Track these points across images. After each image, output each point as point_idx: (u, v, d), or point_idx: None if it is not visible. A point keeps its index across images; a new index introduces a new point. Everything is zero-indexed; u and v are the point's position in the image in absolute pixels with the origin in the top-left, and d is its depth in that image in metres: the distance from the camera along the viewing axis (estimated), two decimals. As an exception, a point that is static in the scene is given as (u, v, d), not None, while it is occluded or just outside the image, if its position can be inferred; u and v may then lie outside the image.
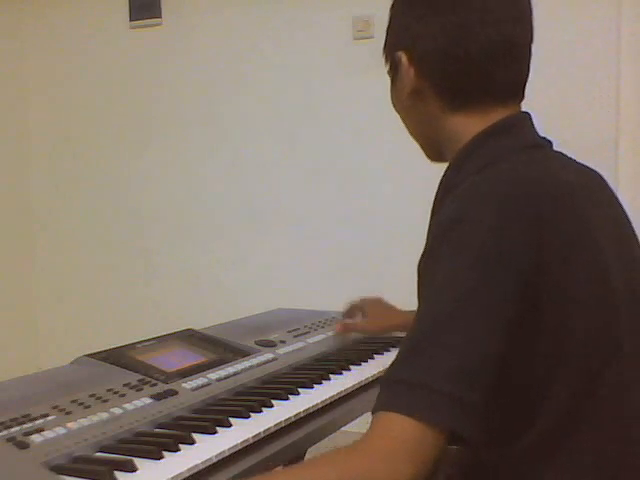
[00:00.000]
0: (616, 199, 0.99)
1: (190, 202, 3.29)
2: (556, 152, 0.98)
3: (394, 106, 1.06)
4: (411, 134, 1.07)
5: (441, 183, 0.99)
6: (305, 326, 1.61)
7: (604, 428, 0.84)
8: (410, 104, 1.00)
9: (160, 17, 3.26)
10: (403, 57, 0.98)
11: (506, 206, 0.82)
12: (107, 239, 3.45)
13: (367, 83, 2.62)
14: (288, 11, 3.00)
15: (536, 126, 0.99)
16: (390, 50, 1.02)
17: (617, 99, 2.40)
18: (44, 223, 3.56)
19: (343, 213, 3.00)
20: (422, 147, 1.08)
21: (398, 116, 1.07)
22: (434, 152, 1.05)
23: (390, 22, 1.04)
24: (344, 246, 3.00)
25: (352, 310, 1.61)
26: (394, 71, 1.02)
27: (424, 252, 0.88)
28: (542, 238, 0.81)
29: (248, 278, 3.17)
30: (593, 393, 0.83)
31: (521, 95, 0.99)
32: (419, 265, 0.89)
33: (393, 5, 1.05)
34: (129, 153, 3.40)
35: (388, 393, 0.79)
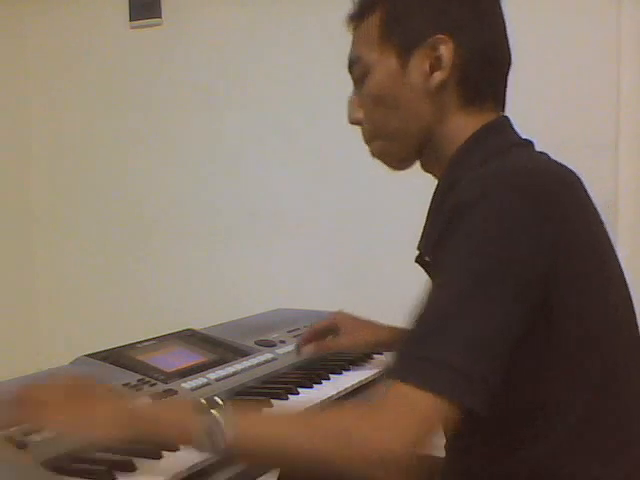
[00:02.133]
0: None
1: (190, 202, 3.29)
2: (539, 152, 1.00)
3: (387, 90, 0.97)
4: (397, 130, 0.99)
5: (441, 180, 0.99)
6: (305, 326, 1.61)
7: (622, 426, 0.85)
8: (428, 94, 0.95)
9: (160, 17, 3.25)
10: (447, 42, 0.93)
11: (523, 194, 0.82)
12: (107, 239, 3.45)
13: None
14: (288, 11, 3.00)
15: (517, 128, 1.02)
16: (419, 31, 0.95)
17: (617, 99, 2.40)
18: (44, 223, 3.56)
19: (344, 213, 3.00)
20: (399, 147, 1.01)
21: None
22: (411, 153, 1.01)
23: (406, 8, 0.97)
24: (344, 246, 3.00)
25: (322, 330, 1.43)
26: (410, 54, 0.95)
27: (436, 239, 0.87)
28: (558, 226, 0.82)
29: (248, 278, 3.17)
30: (613, 388, 0.84)
31: (504, 105, 1.02)
32: (422, 243, 0.89)
33: None
34: (129, 153, 3.40)
35: (406, 366, 0.79)
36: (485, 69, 0.97)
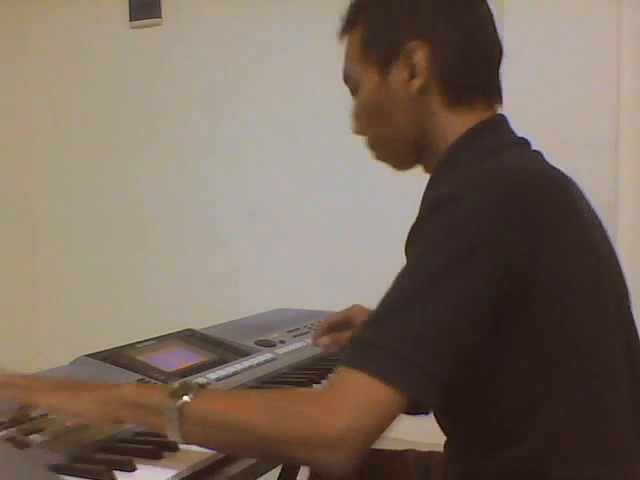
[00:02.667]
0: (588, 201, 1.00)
1: (190, 202, 3.29)
2: (536, 151, 0.99)
3: (374, 103, 1.00)
4: (393, 138, 1.01)
5: (430, 179, 0.99)
6: (305, 326, 1.61)
7: (607, 423, 0.84)
8: (412, 100, 0.96)
9: (160, 17, 3.25)
10: (420, 47, 0.94)
11: (505, 196, 0.82)
12: (107, 239, 3.45)
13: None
14: (288, 10, 3.00)
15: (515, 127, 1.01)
16: (393, 41, 0.96)
17: (617, 99, 2.40)
18: (44, 223, 3.56)
19: (344, 213, 3.00)
20: (399, 152, 1.03)
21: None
22: (411, 155, 1.02)
23: (382, 9, 0.99)
24: (344, 246, 3.00)
25: (337, 323, 1.40)
26: (390, 64, 0.97)
27: (414, 225, 0.88)
28: (538, 230, 0.81)
29: (248, 278, 3.17)
30: (595, 387, 0.84)
31: (501, 99, 1.01)
32: (407, 239, 0.90)
33: None
34: (129, 153, 3.40)
35: (355, 352, 0.80)
36: (467, 67, 0.96)
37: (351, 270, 2.96)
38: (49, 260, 3.57)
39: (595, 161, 2.33)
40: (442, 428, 0.95)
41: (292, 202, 3.10)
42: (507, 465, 0.85)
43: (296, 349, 1.45)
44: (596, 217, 0.95)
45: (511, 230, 0.80)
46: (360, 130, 1.05)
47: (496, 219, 0.81)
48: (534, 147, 0.99)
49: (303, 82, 3.00)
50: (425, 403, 0.79)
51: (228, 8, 3.15)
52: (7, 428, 0.90)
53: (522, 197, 0.82)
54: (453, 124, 0.97)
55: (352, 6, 1.03)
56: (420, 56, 0.94)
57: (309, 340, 1.51)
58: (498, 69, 1.00)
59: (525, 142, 0.99)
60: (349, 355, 0.80)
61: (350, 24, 1.02)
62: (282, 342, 1.47)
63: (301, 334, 1.55)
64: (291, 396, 0.86)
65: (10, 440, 0.87)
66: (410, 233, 0.89)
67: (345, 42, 1.04)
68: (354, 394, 0.77)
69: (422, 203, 0.95)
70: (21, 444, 0.86)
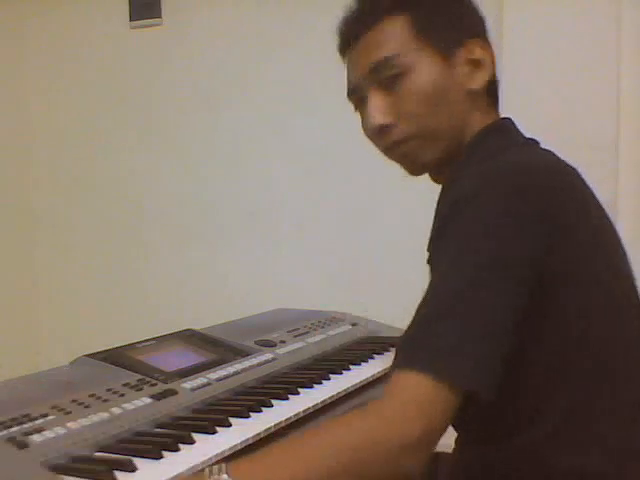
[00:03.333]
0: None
1: (190, 202, 3.29)
2: (546, 149, 1.01)
3: (434, 89, 0.97)
4: (436, 127, 0.99)
5: (445, 182, 1.01)
6: (305, 326, 1.61)
7: (617, 414, 0.85)
8: (470, 93, 0.98)
9: (160, 17, 3.25)
10: (482, 46, 0.99)
11: (522, 180, 0.84)
12: (107, 239, 3.45)
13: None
14: (288, 10, 3.00)
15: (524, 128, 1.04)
16: (454, 31, 0.98)
17: (617, 99, 2.40)
18: (44, 223, 3.56)
19: (344, 213, 2.99)
20: (434, 147, 1.00)
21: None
22: (442, 155, 1.01)
23: (434, 14, 0.99)
24: (344, 246, 2.99)
25: None
26: (454, 53, 0.98)
27: (435, 234, 0.89)
28: (555, 212, 0.84)
29: (248, 278, 3.17)
30: (607, 378, 0.84)
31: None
32: (429, 247, 0.90)
33: None
34: (129, 153, 3.40)
35: (405, 354, 0.80)
36: (494, 72, 1.02)
37: (351, 270, 2.96)
38: (49, 260, 3.56)
39: (595, 161, 2.32)
40: (457, 423, 0.94)
41: (292, 202, 3.10)
42: (522, 450, 0.85)
43: (296, 349, 1.45)
44: (603, 211, 0.97)
45: (524, 225, 0.82)
46: (395, 121, 1.00)
47: (511, 217, 0.82)
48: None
49: (303, 82, 3.00)
50: (483, 395, 0.78)
51: (228, 8, 3.15)
52: (7, 428, 0.90)
53: (532, 191, 0.84)
54: (478, 124, 1.00)
55: None
56: (483, 53, 0.98)
57: (309, 340, 1.52)
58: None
59: (534, 142, 1.01)
60: (401, 358, 0.80)
61: (388, 9, 0.99)
62: (282, 342, 1.47)
63: (301, 334, 1.55)
64: (353, 423, 0.79)
65: (10, 440, 0.87)
66: (432, 235, 0.90)
67: (369, 30, 1.00)
68: (416, 397, 0.76)
69: (439, 202, 0.97)
70: (21, 444, 0.86)
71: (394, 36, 0.99)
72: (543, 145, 1.02)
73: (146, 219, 3.38)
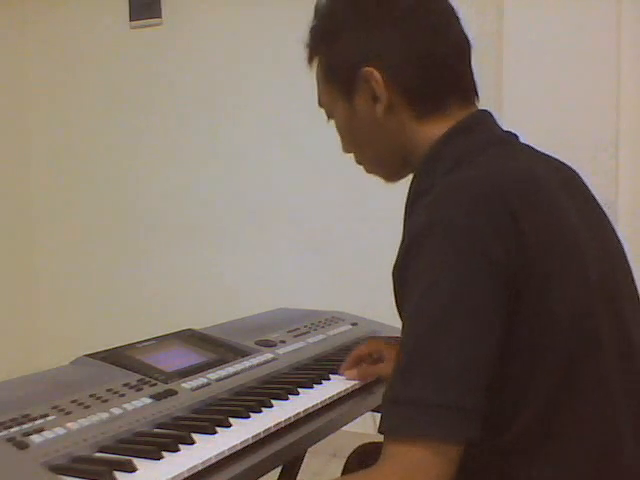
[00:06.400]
0: (590, 192, 0.99)
1: (190, 202, 3.29)
2: (524, 145, 0.97)
3: (349, 128, 1.01)
4: (376, 156, 1.03)
5: (410, 189, 0.99)
6: (305, 326, 1.61)
7: (586, 421, 0.84)
8: (382, 121, 0.96)
9: (160, 17, 3.25)
10: (374, 72, 0.94)
11: (476, 204, 0.81)
12: (107, 239, 3.45)
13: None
14: (288, 10, 3.00)
15: (504, 123, 1.00)
16: (348, 70, 0.97)
17: (617, 99, 2.40)
18: (44, 223, 3.56)
19: (344, 213, 3.00)
20: (386, 168, 1.04)
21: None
22: (399, 168, 1.03)
23: (334, 42, 0.99)
24: (344, 246, 3.00)
25: (363, 356, 1.37)
26: (352, 91, 0.98)
27: (398, 261, 0.87)
28: (516, 230, 0.80)
29: (248, 278, 3.17)
30: (573, 386, 0.83)
31: (477, 93, 1.00)
32: (393, 274, 0.88)
33: (331, 21, 1.00)
34: (129, 153, 3.40)
35: (391, 416, 0.79)
36: (429, 76, 0.95)
37: (351, 270, 2.96)
38: (49, 260, 3.57)
39: (595, 161, 2.33)
40: None
41: (292, 202, 3.10)
42: (493, 453, 0.84)
43: (296, 349, 1.45)
44: (592, 207, 0.95)
45: (489, 236, 0.79)
46: (347, 150, 1.07)
47: (473, 231, 0.80)
48: (527, 143, 0.98)
49: (303, 82, 2.99)
50: (475, 438, 0.78)
51: (228, 8, 3.15)
52: (7, 428, 0.90)
53: (496, 204, 0.81)
54: (428, 134, 0.96)
55: (311, 36, 1.03)
56: (376, 80, 0.94)
57: (309, 340, 1.51)
58: (469, 64, 0.99)
59: (508, 138, 0.97)
60: (389, 422, 0.79)
61: (311, 54, 1.04)
62: (282, 342, 1.47)
63: (301, 334, 1.55)
64: None
65: (10, 440, 0.87)
66: (397, 261, 0.87)
67: (313, 64, 1.05)
68: (416, 464, 0.76)
69: (404, 225, 0.95)
70: (21, 444, 0.86)
71: (317, 80, 1.04)
72: (543, 145, 0.99)
73: (146, 219, 3.38)
